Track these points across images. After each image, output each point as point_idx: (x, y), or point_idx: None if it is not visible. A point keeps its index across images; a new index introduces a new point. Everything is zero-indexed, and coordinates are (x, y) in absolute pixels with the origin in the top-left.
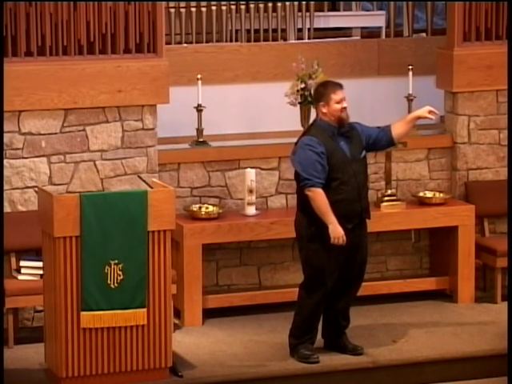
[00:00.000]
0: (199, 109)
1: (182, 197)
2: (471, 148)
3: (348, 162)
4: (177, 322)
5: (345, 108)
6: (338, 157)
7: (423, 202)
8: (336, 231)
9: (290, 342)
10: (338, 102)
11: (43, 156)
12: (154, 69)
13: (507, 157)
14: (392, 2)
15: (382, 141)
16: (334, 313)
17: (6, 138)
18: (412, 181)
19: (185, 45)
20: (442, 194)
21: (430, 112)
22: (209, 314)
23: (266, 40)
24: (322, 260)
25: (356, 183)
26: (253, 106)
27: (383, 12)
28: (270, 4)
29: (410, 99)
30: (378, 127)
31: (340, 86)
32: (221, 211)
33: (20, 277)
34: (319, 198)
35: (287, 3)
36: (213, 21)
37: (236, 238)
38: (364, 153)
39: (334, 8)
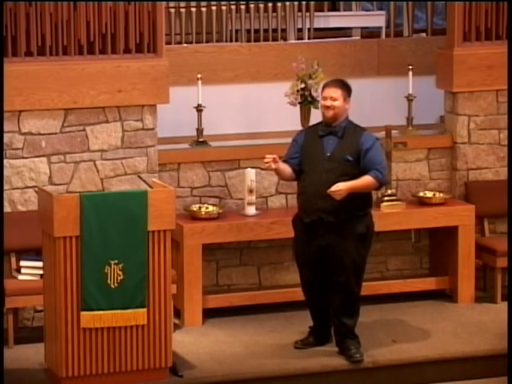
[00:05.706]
0: (199, 109)
1: (181, 197)
2: (471, 148)
3: (321, 159)
4: (177, 321)
5: (328, 107)
6: (311, 152)
7: (423, 202)
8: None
9: None
10: (323, 99)
11: (43, 156)
12: (153, 69)
13: (507, 157)
14: (392, 2)
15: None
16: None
17: (6, 138)
18: (412, 181)
19: (185, 45)
20: (442, 194)
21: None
22: (209, 313)
23: (266, 40)
24: (296, 252)
25: (321, 180)
26: (253, 106)
27: (383, 12)
28: (269, 4)
29: (409, 99)
30: (369, 170)
31: (333, 85)
32: (221, 211)
33: (20, 277)
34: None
35: (287, 3)
36: (213, 21)
37: (236, 238)
38: (349, 157)
39: (334, 8)
